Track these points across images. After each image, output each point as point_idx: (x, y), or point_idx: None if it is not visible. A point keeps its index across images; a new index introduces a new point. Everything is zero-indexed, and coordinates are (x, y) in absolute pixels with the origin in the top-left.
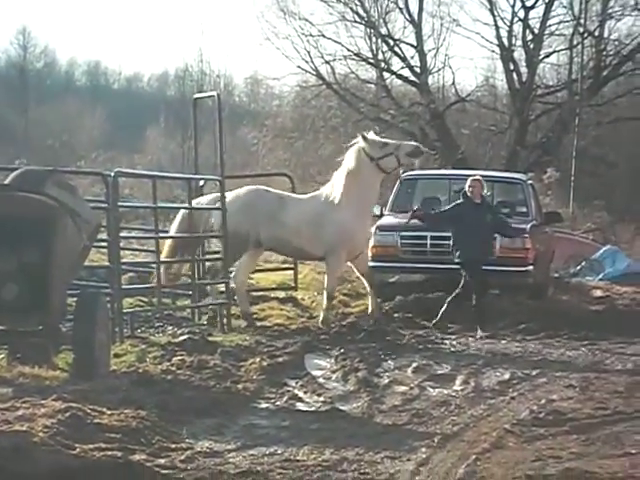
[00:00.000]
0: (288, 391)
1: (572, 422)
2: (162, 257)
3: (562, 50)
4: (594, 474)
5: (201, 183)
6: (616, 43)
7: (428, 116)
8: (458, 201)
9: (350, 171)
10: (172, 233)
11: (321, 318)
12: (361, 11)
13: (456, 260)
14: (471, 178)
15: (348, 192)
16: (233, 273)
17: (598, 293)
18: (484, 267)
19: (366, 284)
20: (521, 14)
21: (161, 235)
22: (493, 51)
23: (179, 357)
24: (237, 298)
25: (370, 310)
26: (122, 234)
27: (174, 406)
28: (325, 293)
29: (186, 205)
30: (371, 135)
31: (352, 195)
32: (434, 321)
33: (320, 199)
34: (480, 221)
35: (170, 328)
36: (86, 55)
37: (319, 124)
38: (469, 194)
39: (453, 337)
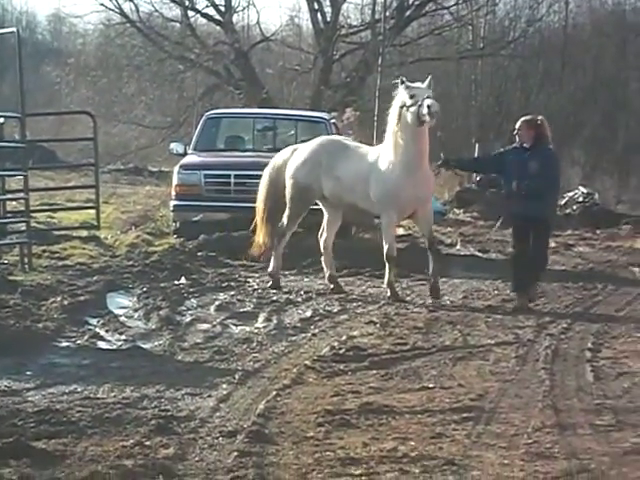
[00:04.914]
0: (89, 330)
1: (372, 358)
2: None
3: None
4: (392, 408)
5: (1, 120)
6: None
7: (233, 55)
8: (511, 146)
9: (391, 120)
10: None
11: (386, 281)
12: None
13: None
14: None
15: (393, 145)
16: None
17: (400, 231)
18: None
19: (427, 245)
20: None
21: None
22: None
23: None
24: (323, 259)
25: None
26: None
27: None
28: (385, 255)
29: None
30: (407, 82)
31: (397, 148)
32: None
33: (376, 152)
34: (524, 170)
35: None
36: None
37: (123, 62)
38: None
39: (257, 275)
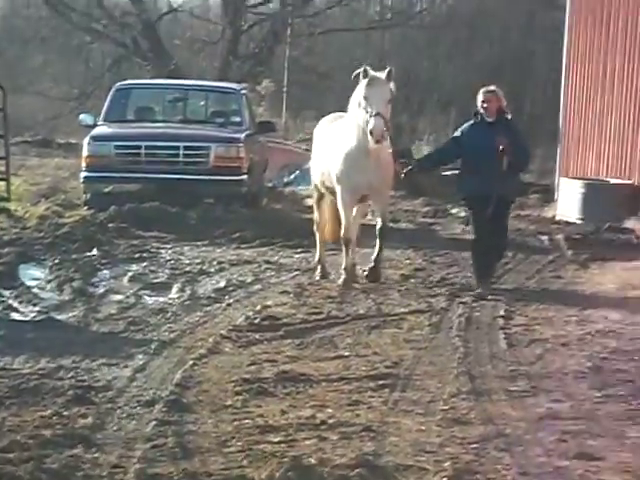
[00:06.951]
0: (2, 301)
1: (287, 327)
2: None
3: None
4: (309, 376)
5: None
6: None
7: (140, 26)
8: (468, 122)
9: (351, 105)
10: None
11: (342, 264)
12: None
13: (460, 195)
14: (482, 90)
15: (351, 128)
16: None
17: (310, 202)
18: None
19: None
20: None
21: None
22: None
23: None
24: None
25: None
26: None
27: None
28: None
29: None
30: (373, 73)
31: (353, 132)
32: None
33: (342, 131)
34: (491, 147)
35: None
36: None
37: (29, 34)
38: (481, 111)
39: (169, 246)
